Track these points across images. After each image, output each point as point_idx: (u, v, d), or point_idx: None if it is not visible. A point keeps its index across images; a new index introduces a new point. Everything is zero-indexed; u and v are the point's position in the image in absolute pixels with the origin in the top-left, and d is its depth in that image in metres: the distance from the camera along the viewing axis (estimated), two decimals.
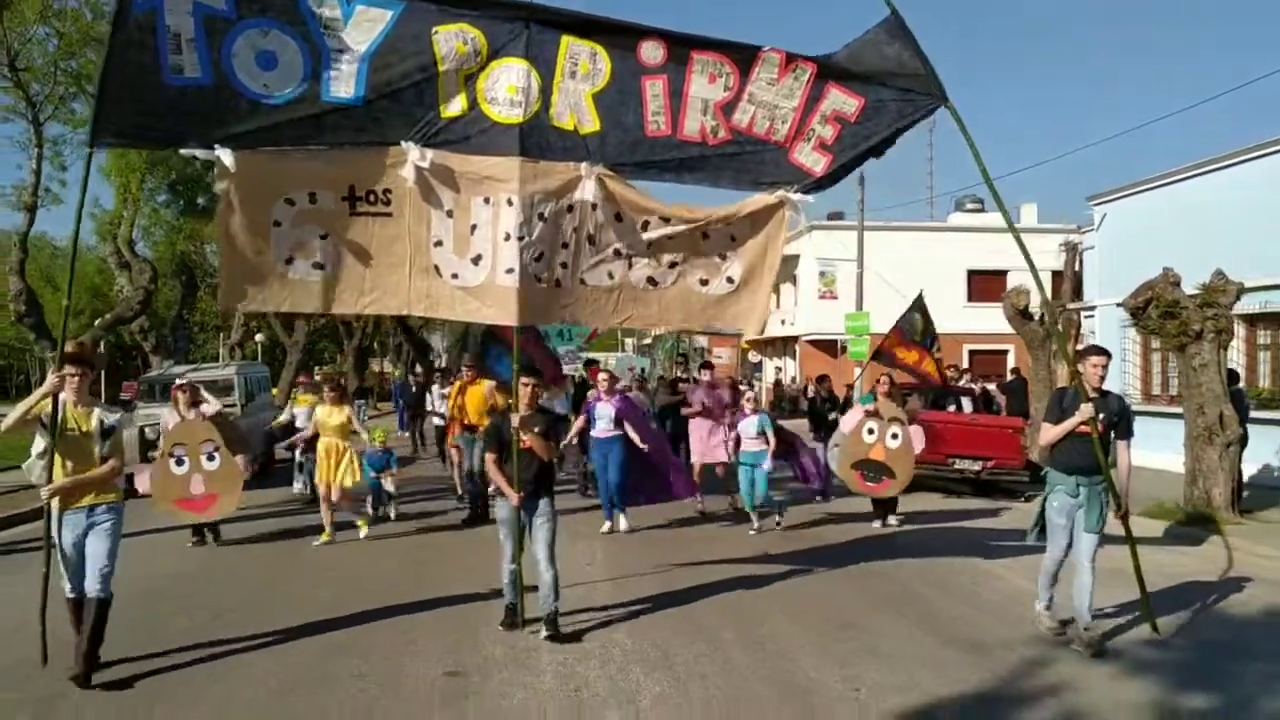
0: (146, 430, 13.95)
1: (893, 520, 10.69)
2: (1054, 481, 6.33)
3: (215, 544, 9.88)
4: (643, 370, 28.28)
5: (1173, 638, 6.36)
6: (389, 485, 11.30)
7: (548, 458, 6.41)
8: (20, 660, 5.73)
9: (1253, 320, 14.59)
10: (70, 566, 5.56)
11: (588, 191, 6.32)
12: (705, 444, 11.27)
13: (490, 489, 7.82)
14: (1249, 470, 13.53)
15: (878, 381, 10.18)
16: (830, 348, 32.03)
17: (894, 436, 9.43)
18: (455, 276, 6.33)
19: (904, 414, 9.76)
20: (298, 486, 13.03)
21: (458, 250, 6.28)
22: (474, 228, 6.23)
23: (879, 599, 7.35)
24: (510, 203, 6.15)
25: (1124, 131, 53.17)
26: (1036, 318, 15.15)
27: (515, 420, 6.28)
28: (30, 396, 5.58)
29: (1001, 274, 31.46)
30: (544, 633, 6.22)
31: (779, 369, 39.90)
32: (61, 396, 5.49)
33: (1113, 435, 6.23)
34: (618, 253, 6.67)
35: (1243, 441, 11.34)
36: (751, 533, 10.16)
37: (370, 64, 5.84)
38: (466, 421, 11.04)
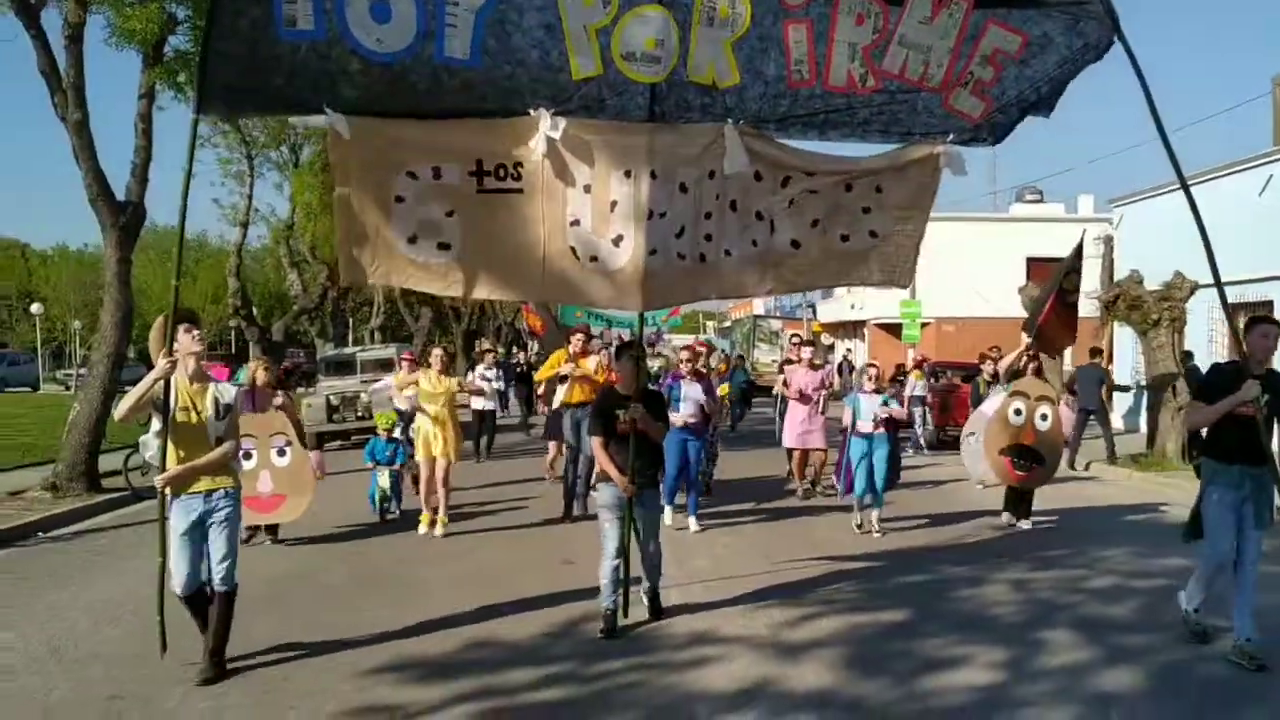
0: (331, 398, 17.10)
1: (1025, 524, 9.27)
2: (1212, 472, 5.58)
3: (270, 543, 8.42)
4: (723, 352, 30.30)
5: (1050, 521, 9.50)
6: (384, 481, 9.75)
7: (659, 440, 6.21)
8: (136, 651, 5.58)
9: (1232, 310, 17.18)
10: (183, 556, 5.19)
11: (730, 155, 5.74)
12: (803, 428, 10.63)
13: (592, 478, 7.32)
14: None
15: (1024, 359, 9.58)
16: (897, 330, 34.79)
17: (1043, 418, 8.85)
18: (594, 260, 5.82)
19: (1053, 392, 9.23)
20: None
21: (597, 230, 5.74)
22: (614, 204, 5.68)
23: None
24: (654, 175, 5.64)
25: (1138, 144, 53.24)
26: None
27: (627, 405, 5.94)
28: (143, 381, 5.14)
29: (1058, 260, 33.73)
30: (645, 605, 6.23)
31: (849, 350, 42.82)
32: (173, 377, 5.13)
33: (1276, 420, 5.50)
34: (759, 215, 6.10)
35: None
36: (856, 527, 9.07)
37: (486, 19, 5.17)
38: (576, 399, 9.60)
